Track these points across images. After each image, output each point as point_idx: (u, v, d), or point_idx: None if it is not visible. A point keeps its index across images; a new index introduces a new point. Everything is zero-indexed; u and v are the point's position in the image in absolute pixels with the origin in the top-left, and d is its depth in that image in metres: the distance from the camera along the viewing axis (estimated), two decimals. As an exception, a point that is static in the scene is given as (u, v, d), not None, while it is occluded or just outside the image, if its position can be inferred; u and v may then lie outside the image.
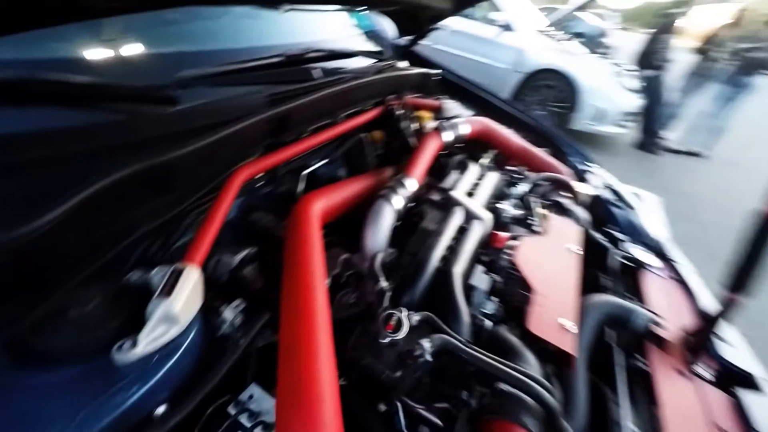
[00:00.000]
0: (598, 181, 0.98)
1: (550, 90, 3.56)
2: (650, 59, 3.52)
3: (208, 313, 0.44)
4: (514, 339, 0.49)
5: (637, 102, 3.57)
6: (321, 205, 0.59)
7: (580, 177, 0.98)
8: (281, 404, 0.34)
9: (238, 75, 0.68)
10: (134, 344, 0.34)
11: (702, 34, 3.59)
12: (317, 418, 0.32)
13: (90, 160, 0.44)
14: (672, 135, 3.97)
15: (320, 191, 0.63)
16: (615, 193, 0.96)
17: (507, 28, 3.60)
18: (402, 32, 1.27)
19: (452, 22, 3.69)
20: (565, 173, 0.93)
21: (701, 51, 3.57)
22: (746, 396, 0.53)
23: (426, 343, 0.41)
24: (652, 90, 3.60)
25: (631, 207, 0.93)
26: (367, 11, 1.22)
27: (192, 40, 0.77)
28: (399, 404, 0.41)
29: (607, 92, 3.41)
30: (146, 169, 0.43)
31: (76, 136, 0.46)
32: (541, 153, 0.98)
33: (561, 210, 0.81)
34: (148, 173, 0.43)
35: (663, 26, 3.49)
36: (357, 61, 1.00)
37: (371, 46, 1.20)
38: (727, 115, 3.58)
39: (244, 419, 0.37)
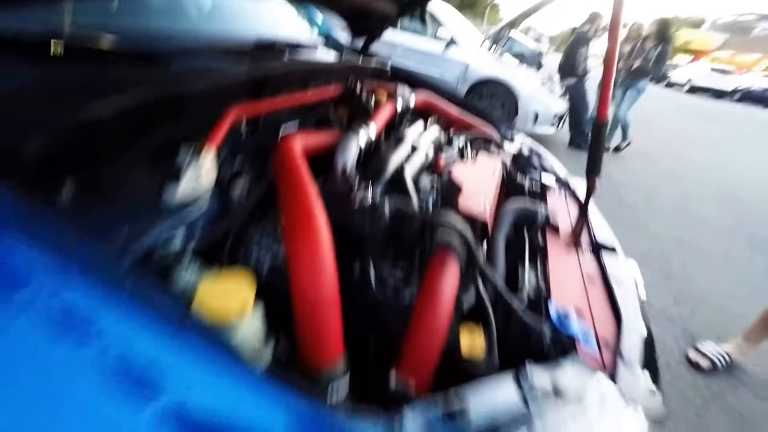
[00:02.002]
0: (519, 141, 1.24)
1: (495, 98, 4.02)
2: (570, 69, 4.13)
3: (221, 185, 0.56)
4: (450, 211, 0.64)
5: (562, 105, 4.13)
6: (300, 142, 0.71)
7: (506, 139, 1.23)
8: (288, 232, 0.45)
9: (221, 53, 0.83)
10: (174, 190, 0.48)
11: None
12: (320, 244, 0.43)
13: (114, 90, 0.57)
14: (598, 133, 4.64)
15: (296, 133, 0.74)
16: (531, 149, 1.22)
17: (452, 42, 4.05)
18: (355, 34, 1.50)
19: (404, 39, 4.11)
20: (494, 135, 1.18)
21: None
22: (606, 256, 0.74)
23: (385, 202, 0.55)
24: (574, 96, 4.21)
25: (544, 155, 1.19)
26: (321, 11, 1.43)
27: (179, 20, 0.93)
28: (371, 265, 0.53)
29: (540, 97, 3.92)
30: (164, 95, 0.57)
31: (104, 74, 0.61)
32: (474, 119, 1.23)
33: (490, 155, 1.04)
34: (164, 99, 0.58)
35: (576, 41, 4.11)
36: (321, 53, 1.20)
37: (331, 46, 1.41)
38: (628, 113, 4.32)
39: (258, 243, 0.51)
